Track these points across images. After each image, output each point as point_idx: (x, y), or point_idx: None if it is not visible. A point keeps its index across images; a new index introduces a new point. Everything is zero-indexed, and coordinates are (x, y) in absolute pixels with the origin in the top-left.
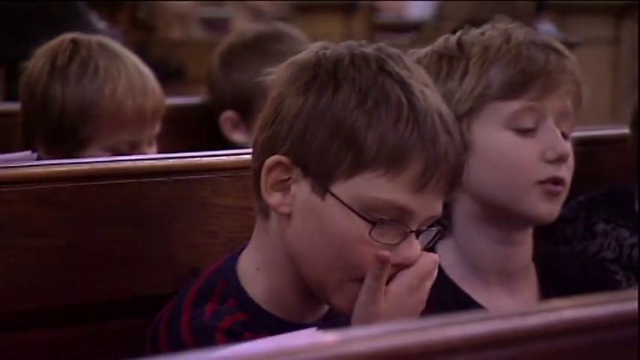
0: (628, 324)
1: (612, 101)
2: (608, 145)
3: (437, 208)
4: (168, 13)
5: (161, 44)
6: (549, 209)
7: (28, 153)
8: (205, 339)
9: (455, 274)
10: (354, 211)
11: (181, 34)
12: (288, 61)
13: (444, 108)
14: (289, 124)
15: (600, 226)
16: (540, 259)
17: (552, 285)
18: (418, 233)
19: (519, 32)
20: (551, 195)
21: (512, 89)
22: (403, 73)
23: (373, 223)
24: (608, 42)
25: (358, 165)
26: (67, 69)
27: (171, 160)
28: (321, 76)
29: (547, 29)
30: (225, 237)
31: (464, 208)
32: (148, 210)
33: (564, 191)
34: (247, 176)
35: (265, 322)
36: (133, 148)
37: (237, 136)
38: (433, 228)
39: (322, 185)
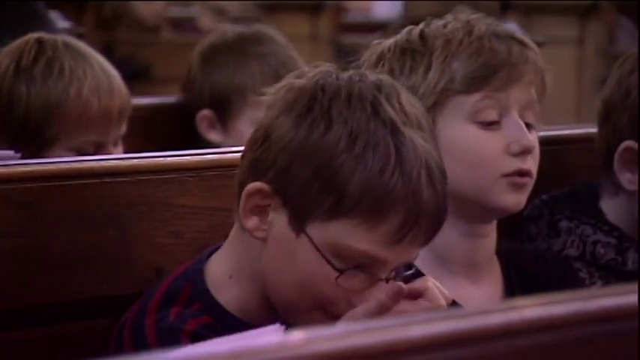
0: (589, 322)
1: (577, 101)
2: (573, 145)
3: (411, 257)
4: (138, 13)
5: (127, 44)
6: (516, 200)
7: (10, 152)
8: (170, 341)
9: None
10: (324, 257)
11: (151, 33)
12: (287, 83)
13: (433, 159)
14: (276, 154)
15: (564, 224)
16: (504, 255)
17: (516, 280)
18: (388, 280)
19: (481, 24)
20: (517, 186)
21: (475, 82)
22: (398, 118)
23: (341, 272)
24: (573, 42)
25: (337, 210)
26: (32, 69)
27: (135, 160)
28: (315, 110)
29: (512, 29)
30: (190, 237)
31: None
32: (112, 210)
33: (530, 182)
34: (212, 176)
35: (230, 325)
36: (99, 149)
37: (213, 136)
38: (407, 274)
39: (298, 223)
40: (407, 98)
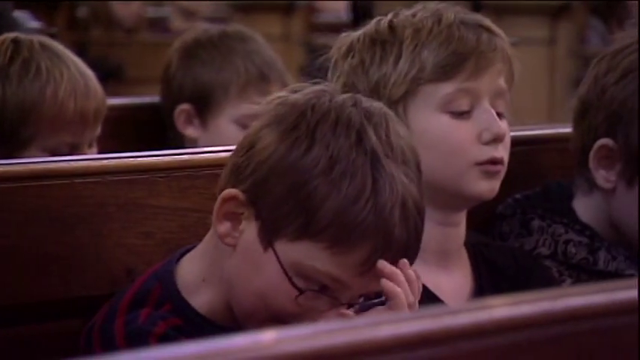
0: (558, 322)
1: (549, 101)
2: (545, 145)
3: (377, 287)
4: (116, 14)
5: (99, 44)
6: (489, 186)
7: None
8: (139, 344)
9: None
10: (287, 275)
11: (129, 34)
12: (282, 96)
13: (411, 195)
14: (255, 165)
15: (536, 223)
16: (473, 247)
17: (485, 271)
18: (350, 306)
19: (450, 12)
20: (490, 174)
21: (445, 71)
22: (381, 149)
23: (302, 292)
24: (545, 42)
25: (306, 231)
26: (8, 69)
27: (105, 161)
28: (301, 129)
29: None
30: (160, 237)
31: None
32: (82, 210)
33: (503, 169)
34: (183, 177)
35: (201, 328)
36: (74, 150)
37: (190, 131)
38: (374, 302)
39: (267, 237)
40: (396, 129)
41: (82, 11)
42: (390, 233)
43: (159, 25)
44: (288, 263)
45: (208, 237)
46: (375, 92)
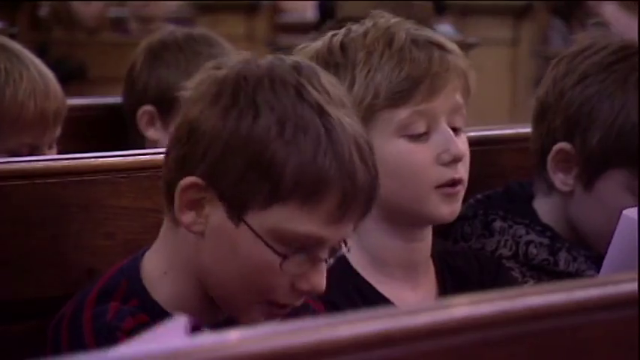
0: (516, 321)
1: (511, 101)
2: (507, 145)
3: (349, 232)
4: (78, 14)
5: (61, 44)
6: (451, 209)
7: None
8: (107, 339)
9: (360, 266)
10: (267, 243)
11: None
12: (207, 75)
13: (360, 135)
14: (205, 148)
15: (497, 224)
16: (438, 256)
17: (450, 281)
18: (327, 260)
19: (401, 31)
20: (451, 196)
21: (400, 96)
22: (322, 98)
23: (284, 257)
24: (507, 43)
25: (275, 196)
26: None
27: (66, 162)
28: (241, 101)
29: (446, 30)
30: (122, 238)
31: None
32: (43, 212)
33: (463, 189)
34: (144, 177)
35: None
36: (34, 151)
37: (152, 132)
38: (340, 253)
39: (237, 213)
40: (327, 78)
41: (44, 11)
42: (354, 176)
43: (120, 25)
44: (264, 232)
45: (164, 231)
46: None
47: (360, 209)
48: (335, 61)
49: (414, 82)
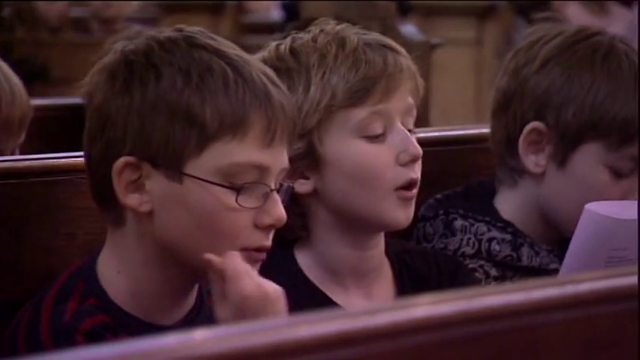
0: (474, 321)
1: (475, 101)
2: (471, 144)
3: (285, 160)
4: (41, 13)
5: (25, 44)
6: (406, 215)
7: None
8: (65, 341)
9: (314, 277)
10: (214, 183)
11: (54, 34)
12: (98, 66)
13: (262, 65)
14: (123, 125)
15: (459, 223)
16: (396, 256)
17: (408, 280)
18: (278, 190)
19: (351, 35)
20: (407, 201)
21: (357, 96)
22: (213, 42)
23: (237, 190)
24: (472, 43)
25: (205, 139)
26: None
27: (28, 162)
28: (138, 70)
29: (409, 30)
30: (84, 239)
31: (321, 218)
32: (4, 212)
33: (416, 191)
34: None
35: (125, 323)
36: None
37: None
38: (284, 185)
39: (176, 170)
40: (210, 34)
41: (7, 11)
42: (269, 98)
43: (83, 25)
44: (209, 176)
45: (109, 234)
46: None
47: (287, 131)
48: (286, 66)
49: (371, 82)
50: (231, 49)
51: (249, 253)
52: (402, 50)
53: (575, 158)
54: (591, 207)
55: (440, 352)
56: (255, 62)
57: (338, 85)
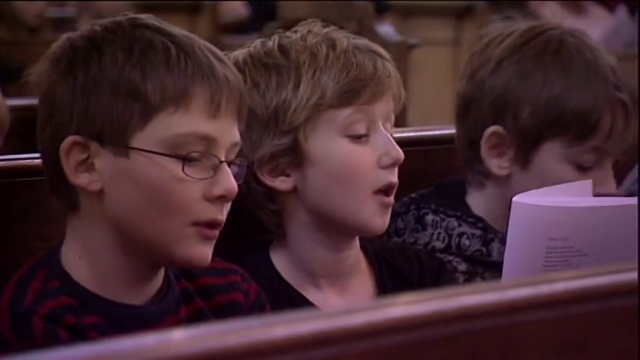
0: (451, 321)
1: (453, 101)
2: (449, 144)
3: (235, 134)
4: (19, 13)
5: (2, 44)
6: (383, 222)
7: None
8: (22, 325)
9: (290, 279)
10: (160, 153)
11: (32, 34)
12: (43, 57)
13: (207, 43)
14: (69, 107)
15: (429, 217)
16: (376, 254)
17: (389, 279)
18: (229, 164)
19: (341, 37)
20: (385, 207)
21: (346, 97)
22: (156, 22)
23: (183, 160)
24: (449, 43)
25: (148, 112)
26: None
27: (3, 163)
28: (81, 51)
29: (386, 31)
30: (59, 239)
31: (298, 218)
32: None
33: (393, 199)
34: None
35: (93, 303)
36: None
37: None
38: (240, 161)
39: (122, 145)
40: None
41: None
42: (213, 69)
43: (63, 25)
44: (155, 147)
45: (68, 218)
46: (273, 118)
47: (233, 104)
48: (275, 62)
49: (361, 84)
50: (179, 31)
51: (201, 229)
52: (389, 57)
53: (537, 158)
54: (517, 199)
55: (416, 352)
56: (200, 40)
57: (328, 84)
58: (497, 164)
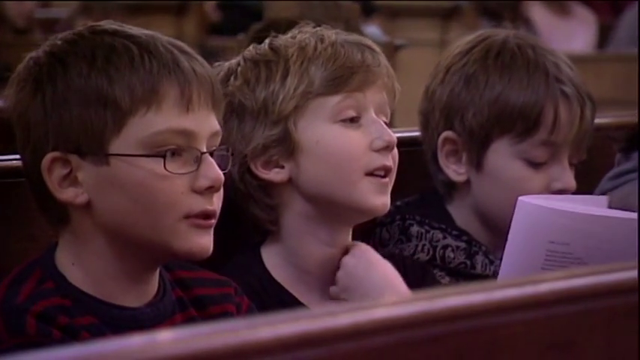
0: (435, 322)
1: None
2: None
3: (214, 124)
4: (8, 14)
5: None
6: (382, 200)
7: None
8: (15, 322)
9: (281, 277)
10: (138, 155)
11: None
12: (9, 80)
13: (171, 39)
14: (43, 124)
15: (415, 229)
16: None
17: None
18: (211, 153)
19: (330, 32)
20: (381, 186)
21: (334, 84)
22: (116, 26)
23: (163, 157)
24: (435, 44)
25: (121, 117)
26: None
27: None
28: (46, 68)
29: (373, 32)
30: (44, 241)
31: (295, 209)
32: None
33: (391, 182)
34: None
35: (87, 305)
36: None
37: None
38: (220, 151)
39: (101, 154)
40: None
41: None
42: (178, 63)
43: (51, 26)
44: (133, 150)
45: (60, 232)
46: (263, 109)
47: (205, 95)
48: (265, 59)
49: (349, 71)
50: (136, 29)
51: (194, 220)
52: (379, 50)
53: (489, 158)
54: (524, 198)
55: (401, 353)
56: (163, 37)
57: (316, 73)
58: (454, 170)
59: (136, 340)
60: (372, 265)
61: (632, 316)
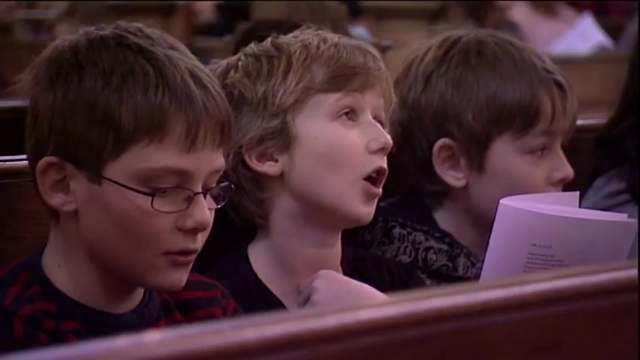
0: (423, 322)
1: None
2: None
3: (217, 162)
4: None
5: None
6: (368, 210)
7: None
8: (2, 325)
9: (266, 276)
10: (129, 187)
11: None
12: (32, 64)
13: (195, 65)
14: (48, 124)
15: (397, 231)
16: (348, 263)
17: None
18: (206, 193)
19: (332, 35)
20: (371, 196)
21: (335, 82)
22: (143, 42)
23: (152, 195)
24: None
25: (121, 142)
26: None
27: None
28: (64, 67)
29: (360, 33)
30: (31, 242)
31: (283, 206)
32: None
33: (380, 191)
34: None
35: (72, 311)
36: None
37: None
38: (223, 184)
39: (95, 172)
40: (151, 30)
41: None
42: (191, 99)
43: (39, 26)
44: (125, 179)
45: (52, 226)
46: (262, 101)
47: (212, 133)
48: (268, 54)
49: (351, 71)
50: (165, 47)
51: (173, 257)
52: (379, 56)
53: (490, 158)
54: (505, 201)
55: (386, 354)
56: (184, 62)
57: (318, 70)
58: (452, 176)
59: (122, 342)
60: (344, 282)
61: (618, 317)
